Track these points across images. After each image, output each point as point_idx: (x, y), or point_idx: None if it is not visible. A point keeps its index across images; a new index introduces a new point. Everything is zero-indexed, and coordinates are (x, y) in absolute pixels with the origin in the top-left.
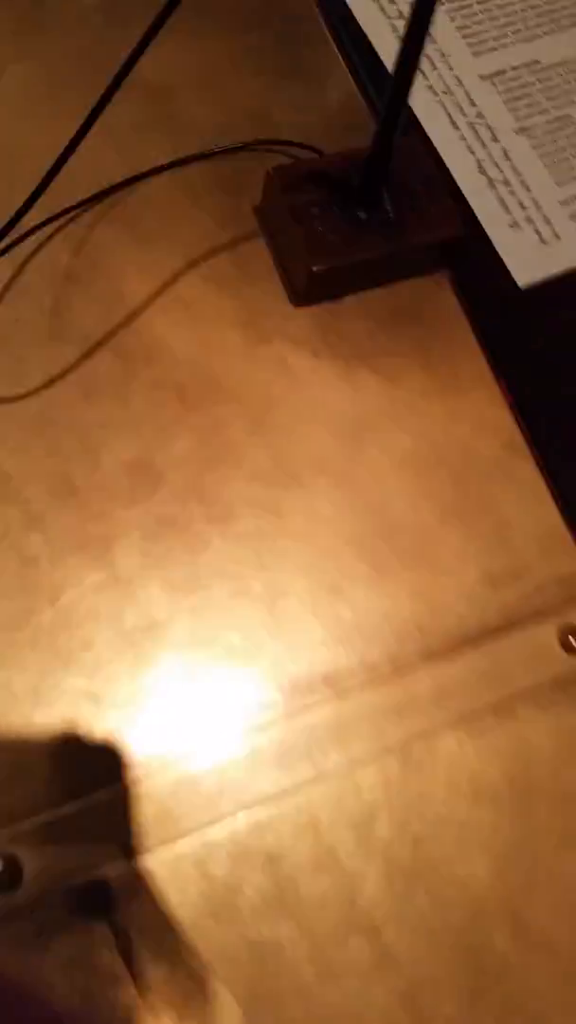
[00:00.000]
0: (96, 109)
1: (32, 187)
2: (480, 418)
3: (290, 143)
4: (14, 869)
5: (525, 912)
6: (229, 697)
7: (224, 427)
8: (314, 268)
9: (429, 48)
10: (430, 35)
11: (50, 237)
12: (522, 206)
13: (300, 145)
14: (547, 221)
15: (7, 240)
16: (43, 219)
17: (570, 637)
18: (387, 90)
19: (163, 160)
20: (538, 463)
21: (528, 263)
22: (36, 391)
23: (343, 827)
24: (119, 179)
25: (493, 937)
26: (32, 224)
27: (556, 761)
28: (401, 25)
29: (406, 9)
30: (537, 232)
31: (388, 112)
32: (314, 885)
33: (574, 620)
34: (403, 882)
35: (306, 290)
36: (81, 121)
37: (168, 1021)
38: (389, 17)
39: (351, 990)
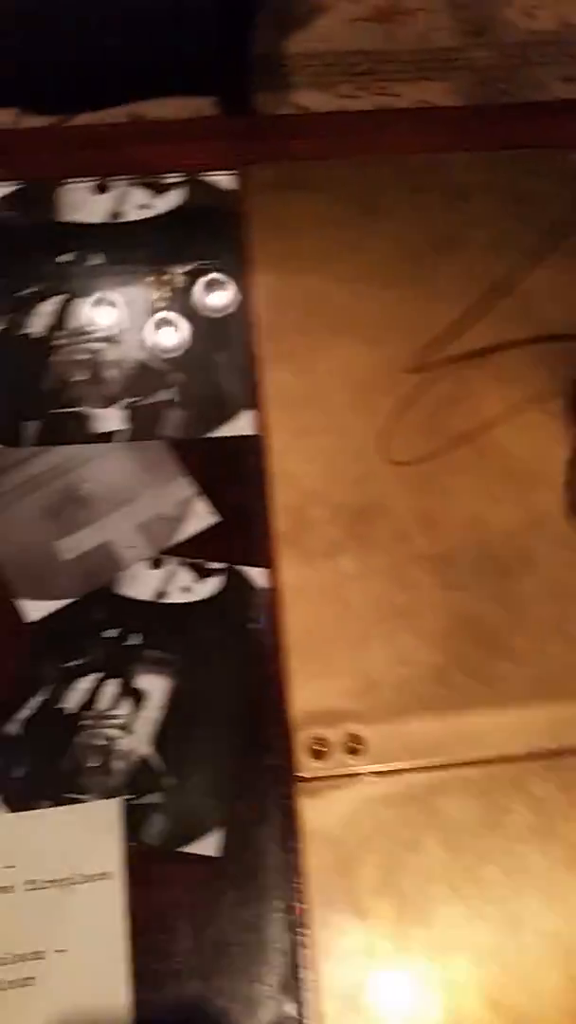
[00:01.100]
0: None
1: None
2: None
3: None
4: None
5: None
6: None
7: (540, 506)
8: None
9: None
10: None
11: (438, 380)
12: None
13: None
14: None
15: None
16: (445, 362)
17: None
18: None
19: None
20: None
21: None
22: (420, 461)
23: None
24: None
25: None
26: (440, 364)
27: None
28: None
29: None
30: None
31: None
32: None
33: None
34: None
35: None
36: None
37: None
38: None
39: None
